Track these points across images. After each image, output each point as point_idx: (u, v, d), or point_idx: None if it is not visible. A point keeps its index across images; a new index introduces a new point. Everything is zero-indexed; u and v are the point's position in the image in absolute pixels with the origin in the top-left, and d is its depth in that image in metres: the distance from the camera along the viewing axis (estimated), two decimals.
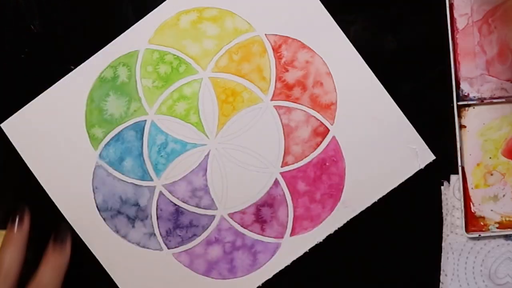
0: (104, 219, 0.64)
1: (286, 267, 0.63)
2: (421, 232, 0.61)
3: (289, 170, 0.63)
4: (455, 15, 0.61)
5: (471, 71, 0.62)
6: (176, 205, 0.63)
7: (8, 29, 0.64)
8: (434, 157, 0.62)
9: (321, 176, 0.62)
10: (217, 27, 0.62)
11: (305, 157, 0.62)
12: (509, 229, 0.62)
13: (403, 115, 0.62)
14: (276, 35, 0.62)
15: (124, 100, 0.63)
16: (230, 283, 0.63)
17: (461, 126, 0.62)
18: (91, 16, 0.64)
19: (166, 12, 0.63)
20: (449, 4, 0.61)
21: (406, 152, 0.62)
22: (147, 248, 0.64)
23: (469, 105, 0.62)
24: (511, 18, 0.61)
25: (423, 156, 0.62)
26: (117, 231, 0.64)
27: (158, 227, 0.64)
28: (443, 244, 0.63)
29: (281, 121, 0.62)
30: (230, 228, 0.63)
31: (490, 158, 0.62)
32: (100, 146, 0.63)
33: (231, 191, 0.63)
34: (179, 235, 0.63)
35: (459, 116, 0.62)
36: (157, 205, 0.63)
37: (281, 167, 0.63)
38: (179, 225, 0.63)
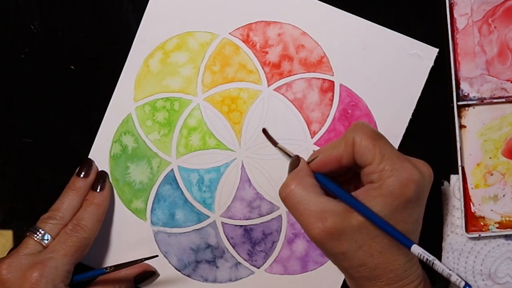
0: (188, 275, 0.64)
1: None
2: (421, 232, 0.59)
3: (321, 137, 0.63)
4: (455, 15, 0.61)
5: (471, 71, 0.62)
6: (242, 226, 0.63)
7: (8, 29, 0.64)
8: (437, 50, 0.61)
9: (350, 124, 0.62)
10: (185, 52, 0.63)
11: (327, 117, 0.62)
12: (509, 229, 0.62)
13: (386, 29, 0.61)
14: (239, 27, 0.63)
15: (144, 163, 0.63)
16: (329, 265, 0.63)
17: (461, 126, 0.62)
18: (91, 16, 0.64)
19: (134, 66, 0.63)
20: (449, 4, 0.61)
21: (411, 60, 0.62)
22: (240, 278, 0.64)
23: (469, 105, 0.62)
24: (511, 18, 0.61)
25: (427, 54, 0.61)
26: (206, 280, 0.64)
27: (239, 254, 0.64)
28: (443, 244, 0.63)
29: (287, 99, 0.62)
30: None
31: (490, 158, 0.62)
32: (147, 215, 0.64)
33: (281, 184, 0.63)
34: (261, 250, 0.63)
35: (459, 116, 0.62)
36: (226, 236, 0.63)
37: (312, 138, 0.63)
38: (255, 242, 0.63)
